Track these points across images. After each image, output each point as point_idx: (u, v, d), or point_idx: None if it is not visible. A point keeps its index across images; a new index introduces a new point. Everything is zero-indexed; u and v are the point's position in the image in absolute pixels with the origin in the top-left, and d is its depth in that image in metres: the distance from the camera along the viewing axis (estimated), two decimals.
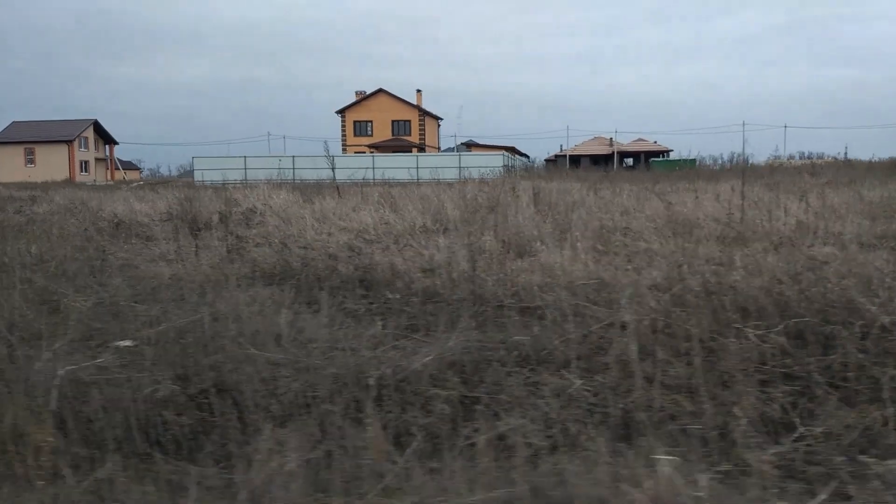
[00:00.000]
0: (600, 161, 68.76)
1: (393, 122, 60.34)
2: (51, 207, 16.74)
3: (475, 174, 37.58)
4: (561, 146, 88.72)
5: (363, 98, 61.09)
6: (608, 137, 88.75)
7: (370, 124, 60.40)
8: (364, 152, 54.57)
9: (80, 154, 63.73)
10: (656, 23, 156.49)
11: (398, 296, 5.94)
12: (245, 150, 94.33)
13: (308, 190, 13.90)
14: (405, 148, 57.17)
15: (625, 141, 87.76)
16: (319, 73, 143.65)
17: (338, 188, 12.96)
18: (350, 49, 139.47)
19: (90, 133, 65.25)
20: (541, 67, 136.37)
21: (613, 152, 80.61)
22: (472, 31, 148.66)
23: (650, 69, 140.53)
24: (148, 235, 10.40)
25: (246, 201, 11.63)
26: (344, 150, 59.33)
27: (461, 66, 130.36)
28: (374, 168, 43.97)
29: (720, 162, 67.65)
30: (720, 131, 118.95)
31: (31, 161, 62.20)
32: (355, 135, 60.43)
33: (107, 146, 68.58)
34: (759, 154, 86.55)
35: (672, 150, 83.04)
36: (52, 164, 59.99)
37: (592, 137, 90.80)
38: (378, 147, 57.45)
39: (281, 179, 31.59)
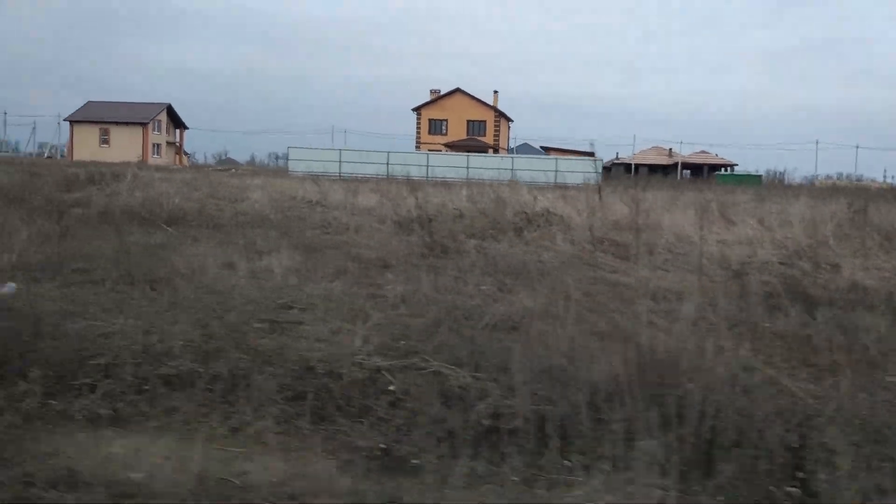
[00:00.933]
0: (657, 171, 67.57)
1: (468, 121, 59.76)
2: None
3: (570, 179, 37.02)
4: (617, 154, 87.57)
5: (439, 97, 60.59)
6: (667, 147, 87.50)
7: (445, 123, 59.91)
8: (440, 150, 54.10)
9: (153, 137, 63.97)
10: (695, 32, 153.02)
11: None
12: (302, 141, 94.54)
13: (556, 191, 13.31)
14: (480, 148, 56.56)
15: (685, 153, 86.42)
16: (353, 69, 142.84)
17: (599, 191, 12.37)
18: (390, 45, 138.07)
19: (163, 117, 65.50)
20: (595, 71, 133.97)
21: (678, 163, 79.37)
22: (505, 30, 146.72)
23: (698, 78, 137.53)
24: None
25: (533, 204, 11.08)
26: (417, 147, 58.92)
27: (493, 66, 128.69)
28: (468, 167, 43.49)
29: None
30: (786, 148, 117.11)
31: (106, 141, 62.57)
32: (430, 133, 59.97)
33: (177, 130, 68.82)
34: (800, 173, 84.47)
35: (737, 164, 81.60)
36: (125, 146, 60.32)
37: (651, 147, 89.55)
38: (452, 146, 56.94)
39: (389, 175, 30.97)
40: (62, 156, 63.96)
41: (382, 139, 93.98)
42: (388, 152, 42.96)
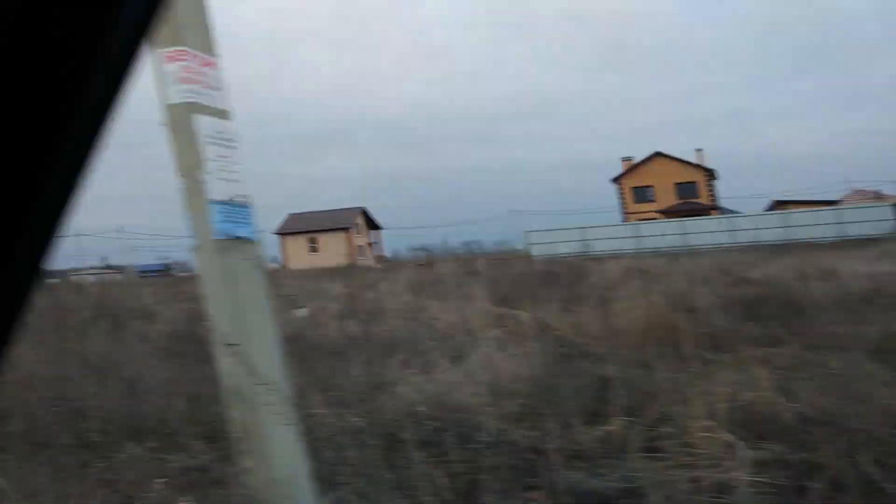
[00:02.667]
0: None
1: (676, 184, 56.66)
2: None
3: (858, 230, 32.47)
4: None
5: (637, 164, 58.40)
6: (871, 190, 79.30)
7: (651, 189, 57.19)
8: (655, 218, 50.97)
9: (356, 240, 66.21)
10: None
11: None
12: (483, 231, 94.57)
13: None
14: (701, 211, 52.97)
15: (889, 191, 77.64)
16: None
17: None
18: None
19: (361, 220, 67.93)
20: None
21: None
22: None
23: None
24: None
25: None
26: (625, 218, 56.24)
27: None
28: (730, 231, 40.04)
29: None
30: None
31: (315, 249, 65.34)
32: (636, 201, 57.40)
33: (371, 232, 71.05)
34: None
35: None
36: (332, 250, 62.61)
37: (852, 191, 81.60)
38: (667, 212, 53.76)
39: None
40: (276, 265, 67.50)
41: (568, 217, 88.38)
42: (638, 224, 40.70)
